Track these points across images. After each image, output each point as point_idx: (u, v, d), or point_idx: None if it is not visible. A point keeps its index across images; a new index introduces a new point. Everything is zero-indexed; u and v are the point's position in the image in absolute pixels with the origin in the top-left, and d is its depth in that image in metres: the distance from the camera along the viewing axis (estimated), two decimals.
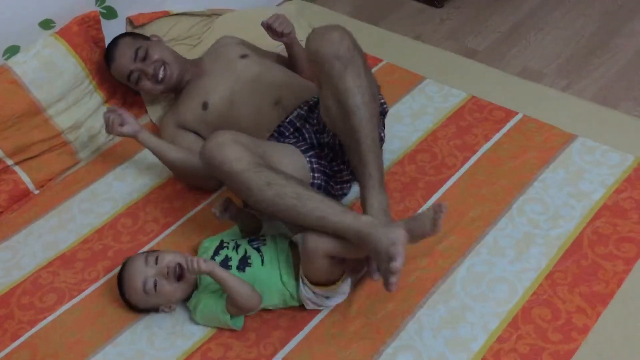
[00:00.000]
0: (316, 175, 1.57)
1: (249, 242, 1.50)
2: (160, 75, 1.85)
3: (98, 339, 1.50)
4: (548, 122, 1.84)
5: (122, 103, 2.10)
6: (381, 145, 1.66)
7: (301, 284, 1.42)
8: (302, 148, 1.60)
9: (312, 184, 1.56)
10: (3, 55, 1.87)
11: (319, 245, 1.34)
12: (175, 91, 1.95)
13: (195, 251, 1.62)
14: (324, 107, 1.50)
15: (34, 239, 1.77)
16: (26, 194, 1.89)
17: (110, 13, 2.09)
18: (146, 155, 1.94)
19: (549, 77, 2.20)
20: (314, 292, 1.41)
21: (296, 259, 1.44)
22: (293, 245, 1.47)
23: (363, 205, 1.43)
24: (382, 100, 1.69)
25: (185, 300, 1.51)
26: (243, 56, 1.89)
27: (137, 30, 2.13)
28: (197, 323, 1.49)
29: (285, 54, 1.98)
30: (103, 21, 2.05)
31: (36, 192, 1.91)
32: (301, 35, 1.85)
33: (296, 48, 1.91)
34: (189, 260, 1.37)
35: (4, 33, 1.85)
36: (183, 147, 1.83)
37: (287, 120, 1.69)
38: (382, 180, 1.44)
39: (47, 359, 1.47)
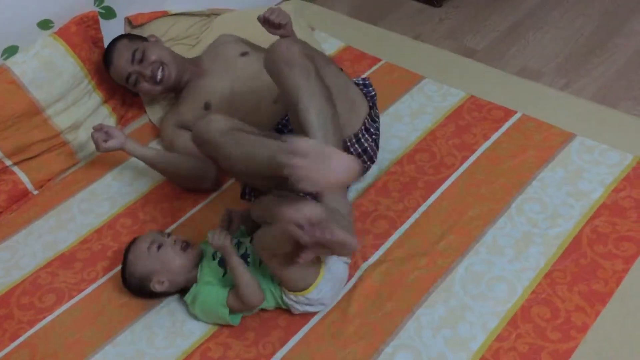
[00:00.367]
0: None
1: (251, 240, 1.50)
2: (159, 76, 1.85)
3: (98, 339, 1.50)
4: (547, 121, 1.84)
5: (121, 103, 2.10)
6: (378, 139, 1.68)
7: (282, 293, 1.43)
8: None
9: None
10: (2, 56, 1.87)
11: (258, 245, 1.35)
12: (175, 91, 1.95)
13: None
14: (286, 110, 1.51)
15: (33, 239, 1.77)
16: (25, 194, 1.89)
17: (109, 13, 2.08)
18: None
19: (548, 77, 2.20)
20: (291, 300, 1.42)
21: None
22: None
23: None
24: (373, 93, 1.69)
25: (183, 295, 1.51)
26: (243, 54, 1.89)
27: (135, 31, 2.13)
28: (195, 318, 1.49)
29: None
30: (102, 21, 2.05)
31: (35, 192, 1.91)
32: (300, 36, 1.85)
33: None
34: (216, 231, 1.39)
35: (3, 33, 1.85)
36: (182, 146, 1.84)
37: (287, 117, 1.69)
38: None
39: (47, 359, 1.47)
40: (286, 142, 1.22)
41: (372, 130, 1.66)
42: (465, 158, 1.78)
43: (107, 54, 1.90)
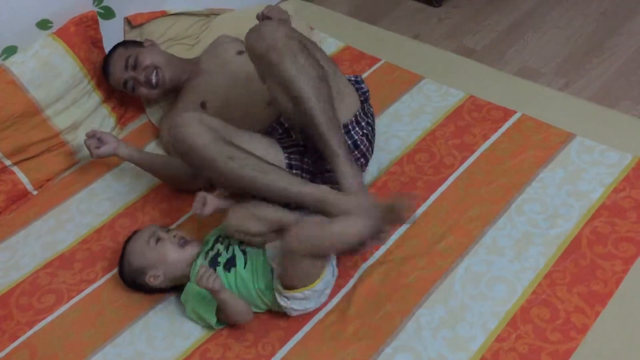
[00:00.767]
0: (295, 171, 1.58)
1: (240, 243, 1.50)
2: (154, 80, 1.86)
3: (97, 340, 1.49)
4: (546, 121, 1.84)
5: (120, 103, 2.09)
6: (371, 136, 1.67)
7: (277, 295, 1.41)
8: (285, 144, 1.61)
9: None
10: (1, 56, 1.87)
11: (301, 243, 1.34)
12: (175, 92, 1.95)
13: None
14: (273, 99, 1.51)
15: (32, 239, 1.77)
16: (24, 194, 1.89)
17: (108, 13, 2.08)
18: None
19: (548, 77, 2.20)
20: (292, 299, 1.40)
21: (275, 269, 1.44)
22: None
23: (339, 182, 1.44)
24: (365, 89, 1.69)
25: (180, 294, 1.51)
26: (240, 52, 1.89)
27: (134, 31, 2.13)
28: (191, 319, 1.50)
29: None
30: (101, 21, 2.05)
31: (35, 192, 1.91)
32: None
33: None
34: (206, 272, 1.37)
35: (2, 33, 1.84)
36: None
37: (277, 121, 1.69)
38: (349, 154, 1.46)
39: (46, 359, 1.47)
40: (348, 194, 1.38)
41: (363, 124, 1.65)
42: (465, 158, 1.78)
43: (105, 65, 1.94)
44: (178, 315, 1.52)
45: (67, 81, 1.90)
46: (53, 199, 1.88)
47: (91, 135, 1.77)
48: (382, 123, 1.90)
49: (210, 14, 2.29)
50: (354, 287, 1.51)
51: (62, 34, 1.92)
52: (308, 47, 1.50)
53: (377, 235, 1.36)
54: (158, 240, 1.49)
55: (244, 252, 1.47)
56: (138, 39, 2.06)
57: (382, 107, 1.94)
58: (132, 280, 1.52)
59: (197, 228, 1.71)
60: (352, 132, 1.63)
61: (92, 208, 1.83)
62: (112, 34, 2.08)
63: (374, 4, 2.71)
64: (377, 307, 1.46)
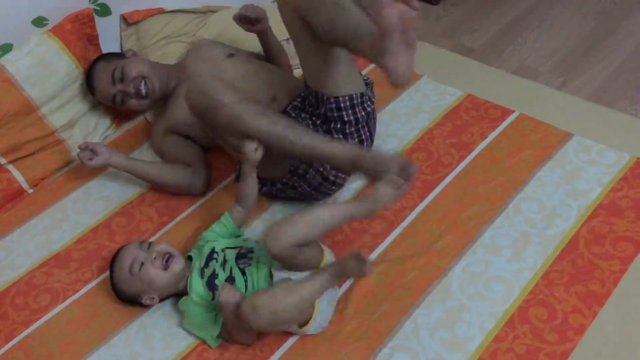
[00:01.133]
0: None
1: (237, 258, 1.48)
2: (143, 91, 1.82)
3: (93, 340, 1.49)
4: (544, 120, 1.84)
5: None
6: (373, 124, 1.69)
7: None
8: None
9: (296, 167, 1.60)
10: None
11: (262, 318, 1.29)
12: (163, 100, 1.92)
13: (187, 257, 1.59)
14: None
15: (28, 238, 1.76)
16: (20, 192, 1.88)
17: (104, 10, 2.07)
18: (142, 154, 1.94)
19: (545, 75, 2.20)
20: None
21: None
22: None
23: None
24: (367, 79, 1.70)
25: (177, 301, 1.50)
26: (230, 55, 1.87)
27: (131, 28, 2.12)
28: None
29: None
30: (97, 18, 2.03)
31: (30, 191, 1.90)
32: None
33: (271, 35, 1.91)
34: (228, 292, 1.36)
35: None
36: (170, 152, 1.84)
37: (282, 111, 1.68)
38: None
39: None
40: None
41: (365, 105, 1.63)
42: (463, 157, 1.78)
43: (88, 81, 1.89)
44: (175, 316, 1.51)
45: (62, 79, 1.89)
46: (48, 198, 1.86)
47: (84, 148, 1.76)
48: (379, 122, 1.88)
49: (207, 11, 2.28)
50: (351, 287, 1.51)
51: (57, 31, 1.90)
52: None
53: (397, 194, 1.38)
54: (141, 266, 1.45)
55: (243, 272, 1.44)
56: (118, 52, 2.04)
57: (379, 106, 1.93)
58: (131, 302, 1.52)
59: (194, 227, 1.70)
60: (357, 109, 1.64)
61: (87, 207, 1.82)
62: (108, 31, 2.06)
63: None
64: (375, 307, 1.46)
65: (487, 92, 1.97)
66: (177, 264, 1.46)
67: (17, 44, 1.87)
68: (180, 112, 1.82)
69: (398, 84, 1.26)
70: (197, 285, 1.44)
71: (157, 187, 1.83)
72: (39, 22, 1.91)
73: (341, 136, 1.60)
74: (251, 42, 1.99)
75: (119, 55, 1.92)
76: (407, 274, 1.51)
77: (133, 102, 1.85)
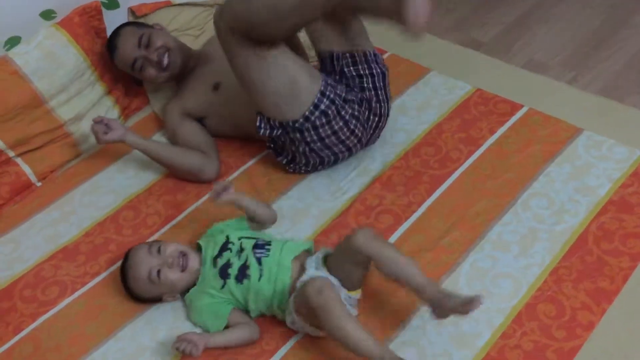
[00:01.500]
0: (325, 101, 1.59)
1: (254, 247, 1.46)
2: (165, 62, 1.85)
3: (100, 333, 1.49)
4: (554, 115, 1.83)
5: (124, 94, 2.08)
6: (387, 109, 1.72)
7: (294, 316, 1.37)
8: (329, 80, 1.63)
9: (317, 106, 1.59)
10: (4, 46, 1.86)
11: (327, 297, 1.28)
12: (178, 79, 1.94)
13: (196, 244, 1.60)
14: None
15: (36, 231, 1.76)
16: (28, 185, 1.89)
17: (112, 3, 2.07)
18: None
19: (555, 70, 2.18)
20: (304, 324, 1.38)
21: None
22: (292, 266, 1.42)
23: None
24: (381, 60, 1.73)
25: (184, 293, 1.50)
26: None
27: (139, 21, 2.11)
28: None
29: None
30: (105, 11, 2.03)
31: (38, 184, 1.90)
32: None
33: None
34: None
35: (5, 24, 1.83)
36: (185, 136, 1.84)
37: None
38: None
39: (50, 352, 1.47)
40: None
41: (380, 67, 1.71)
42: (471, 152, 1.77)
43: (112, 39, 1.90)
44: (181, 310, 1.51)
45: (70, 72, 1.89)
46: (57, 191, 1.87)
47: (98, 121, 1.76)
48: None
49: (215, 4, 2.27)
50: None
51: (65, 24, 1.90)
52: None
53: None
54: (158, 273, 1.44)
55: (259, 262, 1.43)
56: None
57: None
58: (149, 302, 1.52)
59: (201, 221, 1.70)
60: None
61: (95, 200, 1.82)
62: (116, 24, 2.05)
63: None
64: (382, 302, 1.46)
65: (496, 86, 1.96)
66: (194, 261, 1.47)
67: (25, 36, 1.87)
68: (199, 91, 1.85)
69: (415, 33, 1.24)
70: (209, 271, 1.45)
71: (169, 169, 1.82)
72: (47, 15, 1.91)
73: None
74: None
75: (148, 26, 1.95)
76: None
77: (151, 72, 1.87)
